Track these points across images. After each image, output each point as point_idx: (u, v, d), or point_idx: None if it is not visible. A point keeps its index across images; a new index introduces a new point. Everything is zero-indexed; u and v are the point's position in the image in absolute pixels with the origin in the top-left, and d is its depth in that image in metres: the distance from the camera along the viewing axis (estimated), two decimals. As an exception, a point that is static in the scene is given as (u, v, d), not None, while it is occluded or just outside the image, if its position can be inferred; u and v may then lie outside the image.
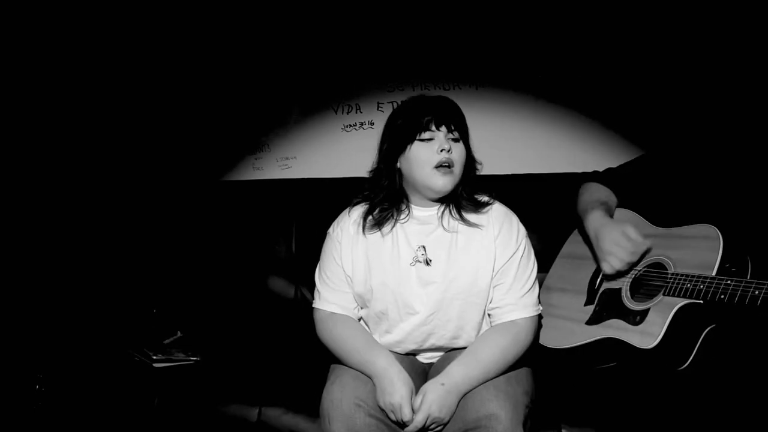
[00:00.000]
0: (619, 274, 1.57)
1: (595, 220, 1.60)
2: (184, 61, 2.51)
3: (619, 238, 1.52)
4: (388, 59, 2.43)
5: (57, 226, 2.32)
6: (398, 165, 1.53)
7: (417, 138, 1.47)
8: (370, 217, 1.54)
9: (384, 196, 1.54)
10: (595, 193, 1.71)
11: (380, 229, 1.53)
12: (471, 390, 1.37)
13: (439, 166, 1.46)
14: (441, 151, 1.45)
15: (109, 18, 2.45)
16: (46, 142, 2.36)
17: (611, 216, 1.64)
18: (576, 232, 1.81)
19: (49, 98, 2.37)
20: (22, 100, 2.30)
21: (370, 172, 1.58)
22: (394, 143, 1.51)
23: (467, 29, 2.36)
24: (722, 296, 1.32)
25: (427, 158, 1.46)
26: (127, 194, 2.47)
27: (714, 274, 1.36)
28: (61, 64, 2.39)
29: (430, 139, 1.47)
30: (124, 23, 2.47)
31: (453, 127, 1.49)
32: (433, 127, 1.47)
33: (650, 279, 1.52)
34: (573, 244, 1.80)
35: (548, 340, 1.64)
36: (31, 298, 2.15)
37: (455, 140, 1.49)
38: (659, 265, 1.51)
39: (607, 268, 1.55)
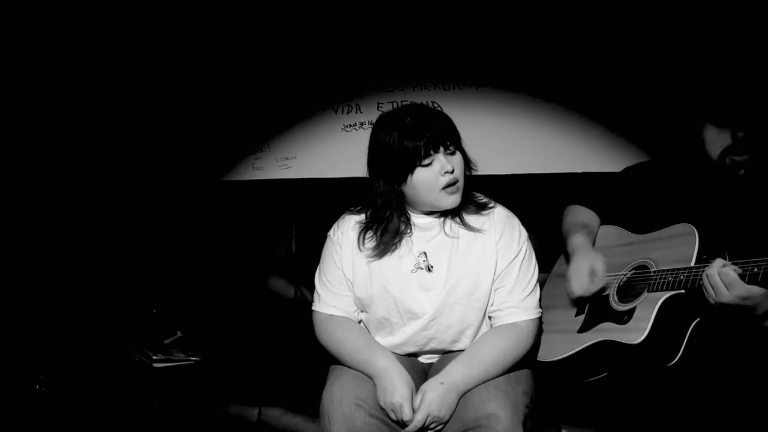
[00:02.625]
0: (580, 299, 1.63)
1: (574, 244, 1.67)
2: (184, 61, 2.51)
3: (583, 270, 1.59)
4: (388, 59, 2.43)
5: (57, 227, 2.32)
6: (398, 189, 1.48)
7: (418, 164, 1.43)
8: (371, 242, 1.52)
9: (385, 226, 1.50)
10: (578, 215, 1.78)
11: (381, 258, 1.51)
12: (471, 389, 1.37)
13: (446, 187, 1.44)
14: (445, 173, 1.43)
15: (109, 18, 2.44)
16: (46, 143, 2.36)
17: (594, 237, 1.72)
18: (563, 254, 1.84)
19: (49, 98, 2.37)
20: (22, 100, 2.30)
21: (368, 199, 1.53)
22: (391, 174, 1.46)
23: (467, 29, 2.36)
24: (701, 282, 1.36)
25: (432, 182, 1.43)
26: (127, 194, 2.46)
27: (692, 264, 1.41)
28: (61, 64, 2.39)
29: (431, 162, 1.43)
30: (124, 23, 2.46)
31: (449, 143, 1.45)
32: (432, 152, 1.43)
33: (635, 281, 1.56)
34: (561, 264, 1.84)
35: (543, 354, 1.65)
36: (31, 298, 2.15)
37: (452, 153, 1.46)
38: (643, 267, 1.56)
39: (569, 291, 1.62)
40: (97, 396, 1.76)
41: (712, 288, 1.33)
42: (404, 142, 1.42)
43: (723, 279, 1.31)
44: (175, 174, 2.53)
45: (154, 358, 1.85)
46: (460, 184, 1.47)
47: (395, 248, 1.51)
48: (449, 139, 1.45)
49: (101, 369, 1.84)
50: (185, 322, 2.16)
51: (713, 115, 1.49)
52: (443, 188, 1.44)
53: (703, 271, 1.36)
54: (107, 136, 2.50)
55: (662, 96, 2.25)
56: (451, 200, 1.46)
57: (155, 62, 2.51)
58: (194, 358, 1.89)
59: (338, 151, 2.47)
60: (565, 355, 1.58)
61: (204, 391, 1.72)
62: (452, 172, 1.43)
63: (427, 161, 1.42)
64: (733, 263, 1.33)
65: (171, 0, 2.46)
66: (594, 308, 1.61)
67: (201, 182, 2.52)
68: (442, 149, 1.44)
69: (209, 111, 2.54)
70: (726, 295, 1.30)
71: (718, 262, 1.33)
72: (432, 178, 1.43)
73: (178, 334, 2.09)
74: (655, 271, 1.49)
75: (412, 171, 1.43)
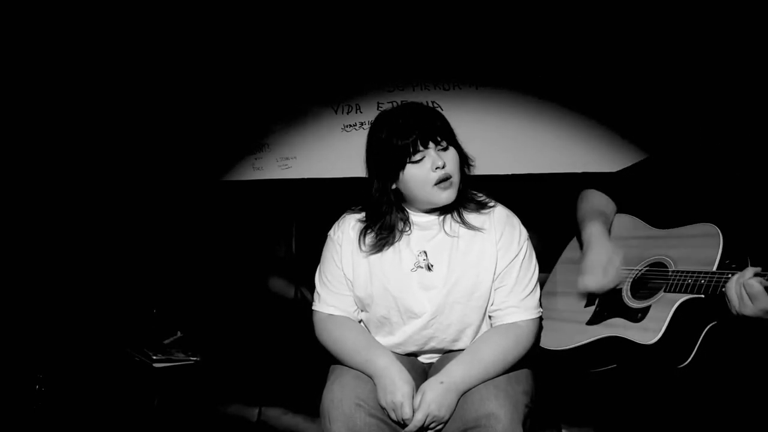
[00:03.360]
0: (592, 294, 1.59)
1: (591, 233, 1.61)
2: (184, 61, 2.51)
3: (598, 264, 1.54)
4: (388, 59, 2.43)
5: (57, 227, 2.32)
6: (394, 187, 1.50)
7: (408, 161, 1.43)
8: (370, 239, 1.52)
9: (382, 223, 1.51)
10: (594, 201, 1.72)
11: (380, 251, 1.51)
12: (470, 389, 1.36)
13: (438, 183, 1.44)
14: (436, 169, 1.42)
15: (109, 18, 2.45)
16: (46, 142, 2.36)
17: (610, 226, 1.67)
18: (576, 238, 1.81)
19: (49, 98, 2.37)
20: (23, 100, 2.30)
21: (366, 198, 1.54)
22: (384, 172, 1.47)
23: (467, 29, 2.36)
24: (723, 289, 1.32)
25: (424, 178, 1.43)
26: (127, 194, 2.47)
27: (715, 269, 1.37)
28: (61, 63, 2.39)
29: (421, 159, 1.43)
30: (124, 23, 2.47)
31: (440, 138, 1.45)
32: (421, 147, 1.43)
33: (651, 278, 1.52)
34: (573, 250, 1.81)
35: (549, 342, 1.64)
36: (30, 298, 2.15)
37: (444, 149, 1.45)
38: (660, 264, 1.52)
39: (581, 284, 1.57)
40: (97, 396, 1.76)
41: (737, 298, 1.28)
42: (393, 140, 1.43)
43: (748, 290, 1.26)
44: (175, 174, 2.53)
45: (154, 358, 1.85)
46: (455, 179, 1.46)
47: (393, 243, 1.51)
48: (439, 134, 1.45)
49: (101, 369, 1.84)
50: (185, 322, 2.16)
51: None
52: (435, 184, 1.43)
53: (727, 279, 1.31)
54: (107, 137, 2.50)
55: (663, 96, 2.25)
56: (445, 195, 1.45)
57: (155, 63, 2.51)
58: (194, 358, 1.89)
59: (338, 151, 2.47)
60: (572, 346, 1.57)
61: (204, 391, 1.71)
62: (443, 167, 1.43)
63: (416, 157, 1.43)
64: (759, 275, 1.27)
65: (171, 0, 2.46)
66: (605, 301, 1.59)
67: (201, 182, 2.52)
68: (432, 145, 1.44)
69: (209, 111, 2.54)
70: (749, 307, 1.26)
71: (747, 272, 1.28)
72: (423, 174, 1.43)
73: (178, 334, 2.09)
74: (673, 271, 1.46)
75: (402, 168, 1.44)
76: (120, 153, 2.51)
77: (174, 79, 2.52)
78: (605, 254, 1.55)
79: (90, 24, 2.42)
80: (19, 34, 2.29)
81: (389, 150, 1.44)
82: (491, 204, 1.57)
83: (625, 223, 1.69)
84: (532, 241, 1.57)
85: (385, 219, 1.51)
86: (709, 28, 2.17)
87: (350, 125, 2.48)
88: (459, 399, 1.35)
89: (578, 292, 1.63)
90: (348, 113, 2.48)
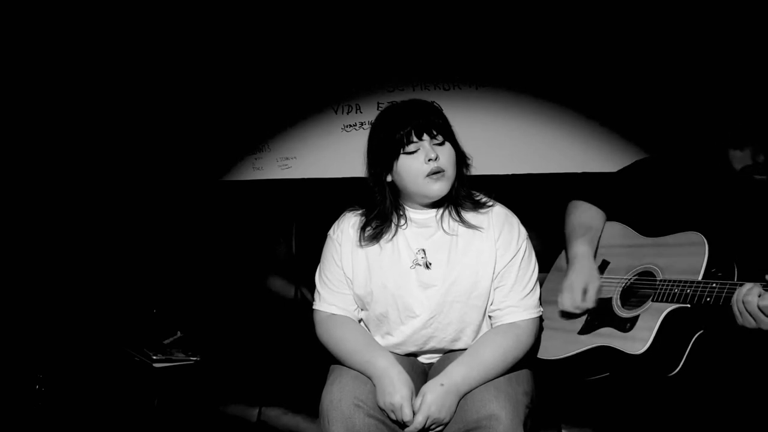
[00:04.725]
0: (566, 313, 1.62)
1: (576, 252, 1.64)
2: (185, 61, 2.51)
3: (577, 287, 1.58)
4: (388, 59, 2.43)
5: (57, 227, 2.32)
6: (389, 179, 1.51)
7: (402, 152, 1.45)
8: (367, 231, 1.53)
9: (377, 212, 1.53)
10: (582, 216, 1.74)
11: (378, 242, 1.52)
12: (471, 390, 1.36)
13: (430, 175, 1.45)
14: (429, 161, 1.43)
15: (109, 18, 2.45)
16: (46, 143, 2.36)
17: (597, 242, 1.69)
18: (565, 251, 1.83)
19: (49, 98, 2.37)
20: (23, 100, 2.30)
21: (366, 188, 1.56)
22: (379, 162, 1.49)
23: (467, 29, 2.36)
24: (708, 299, 1.34)
25: (417, 169, 1.45)
26: (127, 194, 2.47)
27: (700, 278, 1.39)
28: (61, 64, 2.39)
29: (415, 150, 1.45)
30: (124, 23, 2.47)
31: (435, 132, 1.46)
32: (415, 139, 1.44)
33: (640, 287, 1.54)
34: (563, 259, 1.81)
35: (542, 351, 1.64)
36: (30, 298, 2.15)
37: (440, 144, 1.47)
38: (648, 273, 1.54)
39: (559, 303, 1.61)
40: (97, 396, 1.77)
41: (740, 314, 1.28)
42: (390, 132, 1.46)
43: (748, 308, 1.26)
44: (175, 174, 2.53)
45: (154, 358, 1.85)
46: (448, 173, 1.47)
47: (391, 238, 1.52)
48: (434, 128, 1.46)
49: (101, 369, 1.84)
50: (185, 322, 2.16)
51: (732, 141, 1.47)
52: (427, 175, 1.44)
53: (713, 289, 1.33)
54: (108, 137, 2.50)
55: (663, 96, 2.25)
56: (437, 187, 1.46)
57: (155, 63, 2.51)
58: (194, 358, 1.89)
59: (338, 151, 2.47)
60: (564, 356, 1.58)
61: (204, 391, 1.72)
62: (436, 160, 1.44)
63: (410, 148, 1.45)
64: (763, 284, 1.27)
65: (171, 1, 2.46)
66: (596, 310, 1.60)
67: (201, 182, 2.52)
68: (427, 138, 1.45)
69: (209, 111, 2.54)
70: (752, 324, 1.27)
71: (744, 287, 1.29)
72: (416, 165, 1.44)
73: (178, 334, 2.09)
74: (660, 281, 1.47)
75: (396, 158, 1.46)
76: (120, 153, 2.51)
77: (174, 80, 2.52)
78: (583, 278, 1.59)
79: (92, 26, 2.43)
80: (20, 35, 2.29)
81: (385, 140, 1.46)
82: (489, 203, 1.57)
83: (615, 231, 1.71)
84: (531, 241, 1.57)
85: (379, 208, 1.53)
86: (709, 28, 2.17)
87: (350, 125, 2.48)
88: (459, 401, 1.35)
89: (558, 309, 1.65)
90: (348, 113, 2.48)
